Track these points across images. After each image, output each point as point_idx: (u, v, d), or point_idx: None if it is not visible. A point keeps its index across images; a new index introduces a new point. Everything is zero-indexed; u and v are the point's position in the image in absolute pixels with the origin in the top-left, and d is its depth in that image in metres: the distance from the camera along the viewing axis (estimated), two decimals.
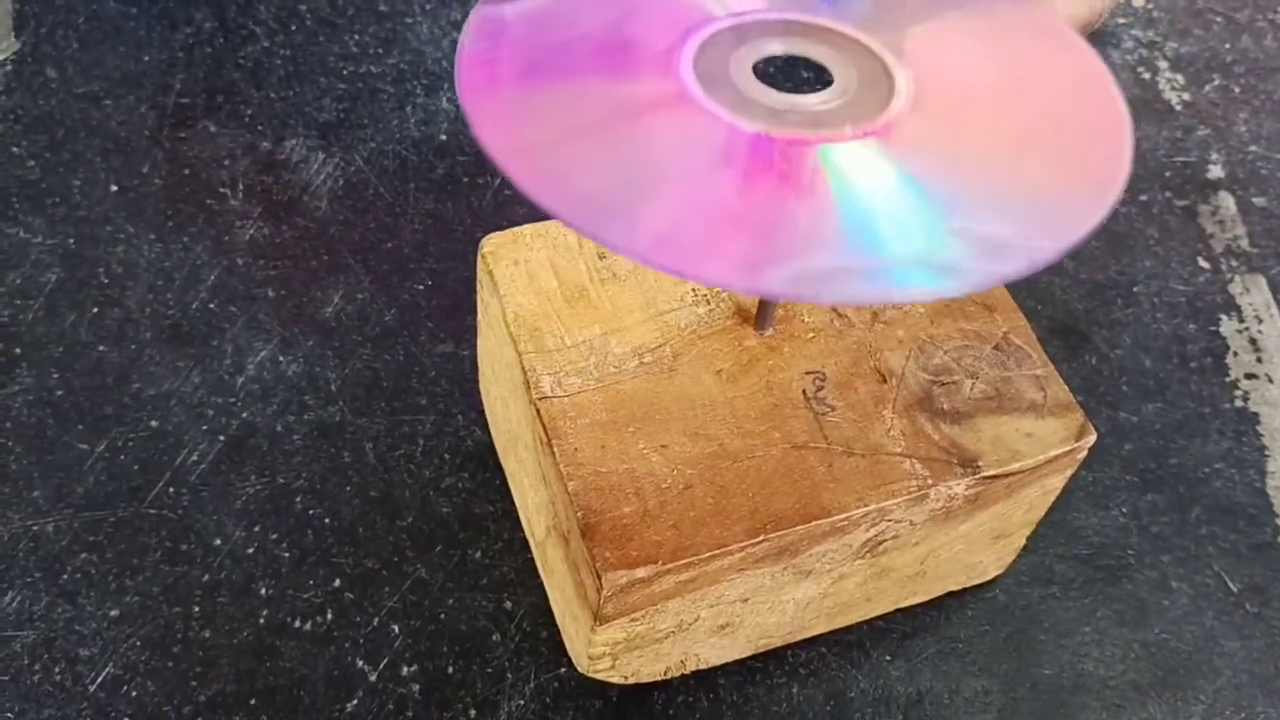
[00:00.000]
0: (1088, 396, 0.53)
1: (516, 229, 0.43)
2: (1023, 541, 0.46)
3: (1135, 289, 0.56)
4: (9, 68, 0.59)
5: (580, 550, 0.37)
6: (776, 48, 0.37)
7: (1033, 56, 0.38)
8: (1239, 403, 0.53)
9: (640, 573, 0.36)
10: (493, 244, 0.43)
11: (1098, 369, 0.54)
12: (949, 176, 0.33)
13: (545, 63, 0.36)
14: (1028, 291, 0.55)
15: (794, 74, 0.42)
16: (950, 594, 0.47)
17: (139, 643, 0.43)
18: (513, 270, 0.42)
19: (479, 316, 0.45)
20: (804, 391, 0.41)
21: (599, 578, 0.36)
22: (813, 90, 0.35)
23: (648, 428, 0.39)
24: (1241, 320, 0.56)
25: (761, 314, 0.41)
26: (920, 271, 0.31)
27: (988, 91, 0.36)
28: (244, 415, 0.49)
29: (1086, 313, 0.55)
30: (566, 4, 0.38)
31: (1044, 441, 0.40)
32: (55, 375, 0.49)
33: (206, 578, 0.45)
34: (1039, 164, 0.34)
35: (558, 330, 0.41)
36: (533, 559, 0.46)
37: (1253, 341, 0.55)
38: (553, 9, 0.38)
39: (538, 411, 0.39)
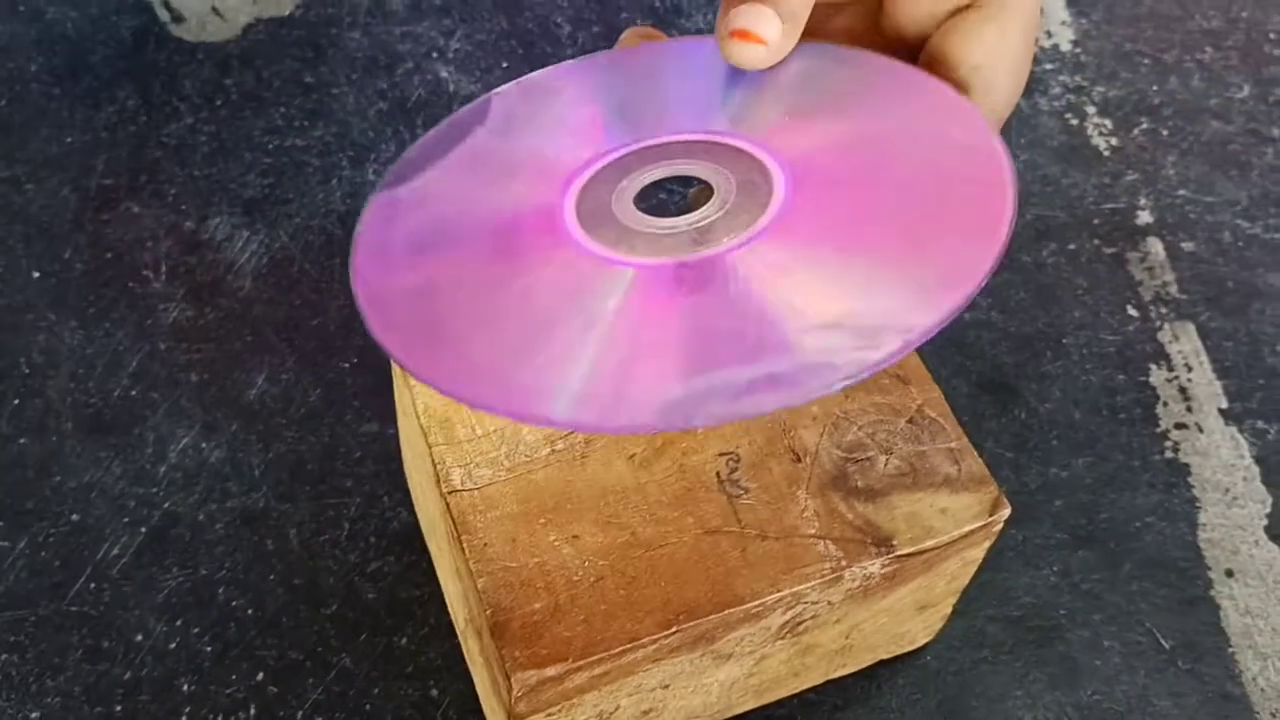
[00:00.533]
0: (1017, 452, 0.53)
1: None
2: (949, 609, 0.46)
3: (1064, 340, 0.56)
4: None
5: (490, 648, 0.37)
6: (657, 173, 0.37)
7: (912, 120, 0.37)
8: (1169, 454, 0.53)
9: (551, 671, 0.36)
10: None
11: (1027, 424, 0.54)
12: (820, 274, 0.33)
13: (435, 241, 0.36)
14: (956, 347, 0.55)
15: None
16: (881, 662, 0.46)
17: None
18: None
19: (395, 403, 0.45)
20: (717, 474, 0.40)
21: (509, 677, 0.36)
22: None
23: (559, 518, 0.39)
24: (1171, 369, 0.56)
25: None
26: (801, 370, 0.31)
27: (862, 168, 0.36)
28: (166, 505, 0.49)
29: (1015, 366, 0.55)
30: (457, 175, 0.38)
31: (958, 517, 0.40)
32: None
33: (128, 675, 0.45)
34: (911, 241, 0.34)
35: (468, 420, 0.41)
36: (459, 644, 0.46)
37: (1182, 390, 0.55)
38: (444, 181, 0.38)
39: (447, 505, 0.39)
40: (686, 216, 0.35)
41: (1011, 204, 0.33)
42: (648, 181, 0.37)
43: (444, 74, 0.64)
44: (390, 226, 0.37)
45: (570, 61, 0.41)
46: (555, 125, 0.39)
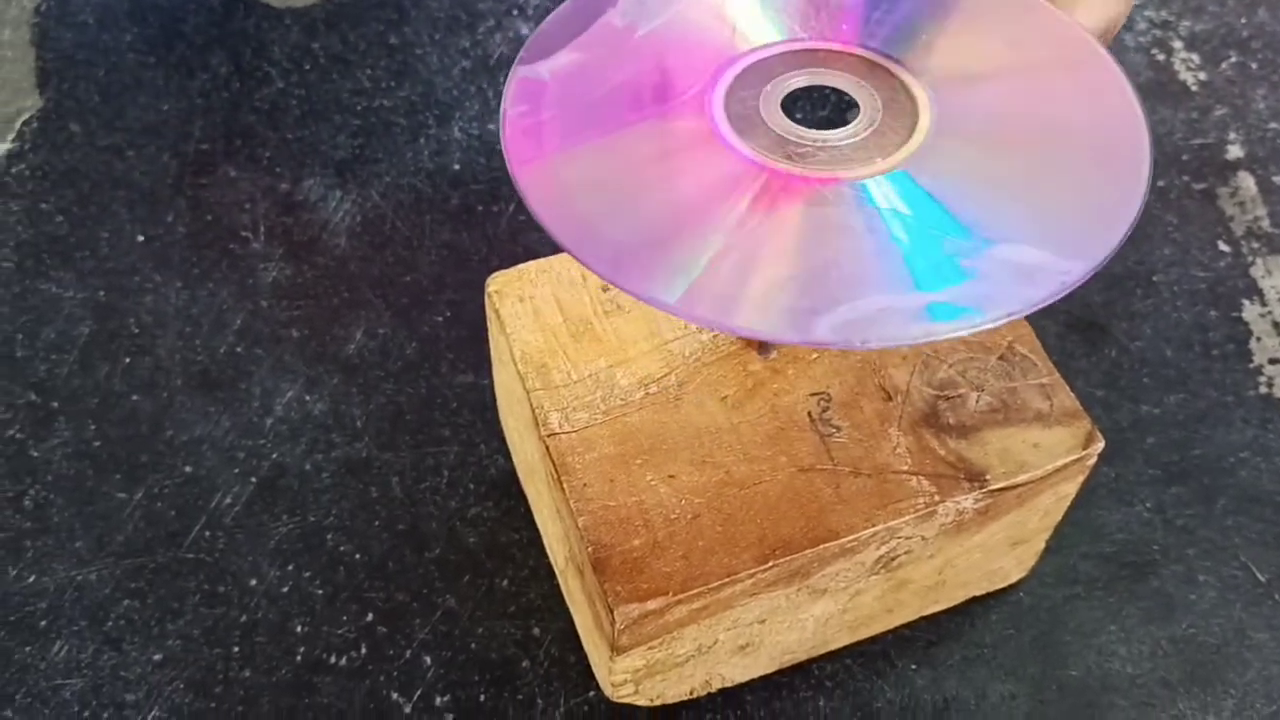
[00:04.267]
0: (1109, 391, 0.53)
1: (521, 266, 0.44)
2: (1043, 545, 0.46)
3: (1155, 278, 0.56)
4: (35, 125, 0.61)
5: (593, 583, 0.38)
6: (802, 80, 0.38)
7: (1053, 67, 0.38)
8: (1263, 389, 0.53)
9: (652, 604, 0.37)
10: (498, 282, 0.44)
11: (1118, 362, 0.53)
12: (978, 204, 0.34)
13: (584, 120, 0.37)
14: None
15: (824, 100, 0.42)
16: (974, 599, 0.47)
17: (182, 685, 0.45)
18: (518, 307, 0.43)
19: (490, 352, 0.46)
20: (809, 414, 0.41)
21: (611, 611, 0.37)
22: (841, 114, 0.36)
23: (655, 459, 0.40)
24: (1264, 304, 0.55)
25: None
26: (956, 306, 0.32)
27: (1009, 109, 0.37)
28: (273, 456, 0.50)
29: (1105, 305, 0.55)
30: (599, 58, 0.39)
31: (1051, 451, 0.40)
32: (92, 427, 0.51)
33: (244, 618, 0.47)
34: (1063, 183, 0.35)
35: (564, 365, 0.42)
36: (558, 585, 0.47)
37: (1276, 325, 0.55)
38: (586, 64, 0.39)
39: (547, 448, 0.40)
40: (838, 131, 0.36)
41: (1148, 163, 0.34)
42: (793, 87, 0.38)
43: (525, 30, 0.65)
44: (537, 106, 0.38)
45: None
46: (691, 17, 0.40)
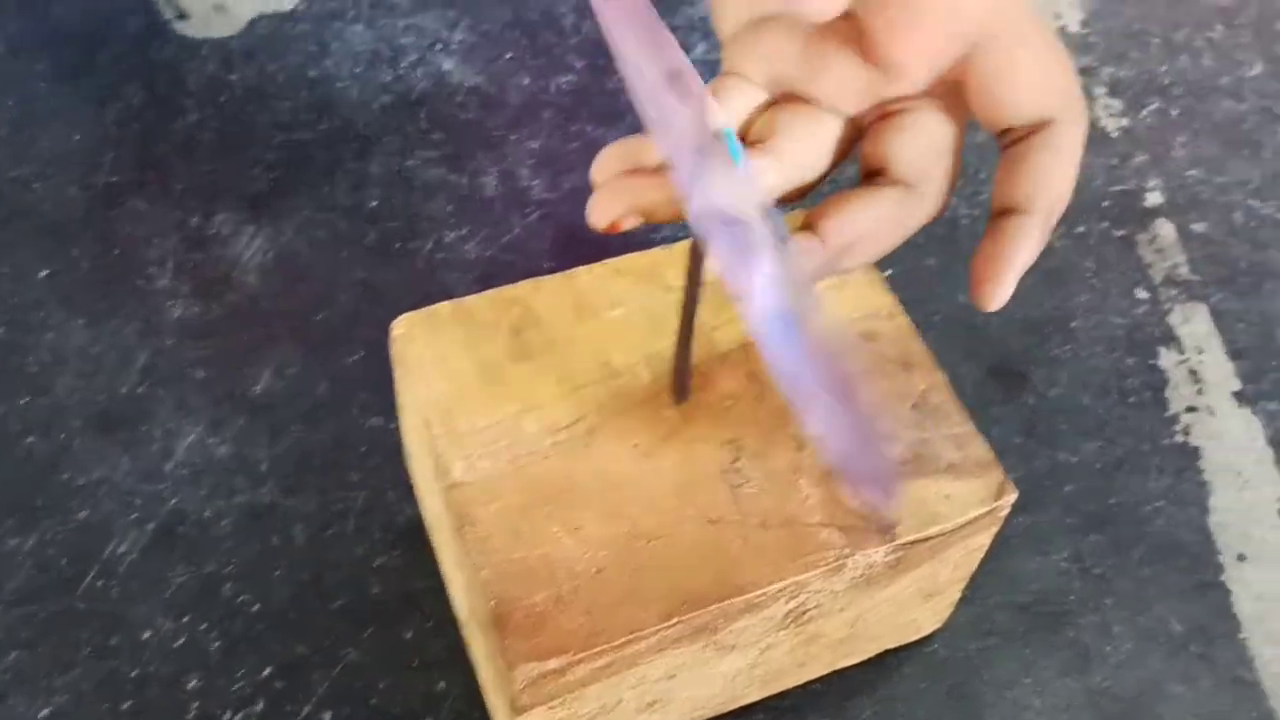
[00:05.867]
0: (1026, 438, 0.52)
1: (430, 308, 0.43)
2: (957, 595, 0.45)
3: (1073, 324, 0.56)
4: None
5: (493, 640, 0.37)
6: None
7: None
8: (1179, 437, 0.53)
9: (553, 663, 0.36)
10: (404, 325, 0.43)
11: (1036, 409, 0.53)
12: None
13: None
14: (964, 332, 0.55)
15: None
16: (888, 651, 0.46)
17: None
18: (425, 351, 0.42)
19: (397, 396, 0.45)
20: (720, 463, 0.40)
21: (511, 669, 0.36)
22: None
23: (562, 509, 0.39)
24: (1181, 352, 0.55)
25: (677, 383, 0.41)
26: None
27: None
28: (173, 502, 0.49)
29: (1023, 352, 0.55)
30: None
31: (963, 503, 0.40)
32: None
33: (136, 672, 0.45)
34: None
35: (470, 411, 0.41)
36: (464, 637, 0.46)
37: (1193, 373, 0.55)
38: None
39: (449, 498, 0.39)
40: None
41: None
42: None
43: (447, 66, 0.64)
44: None
45: None
46: None
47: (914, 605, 0.44)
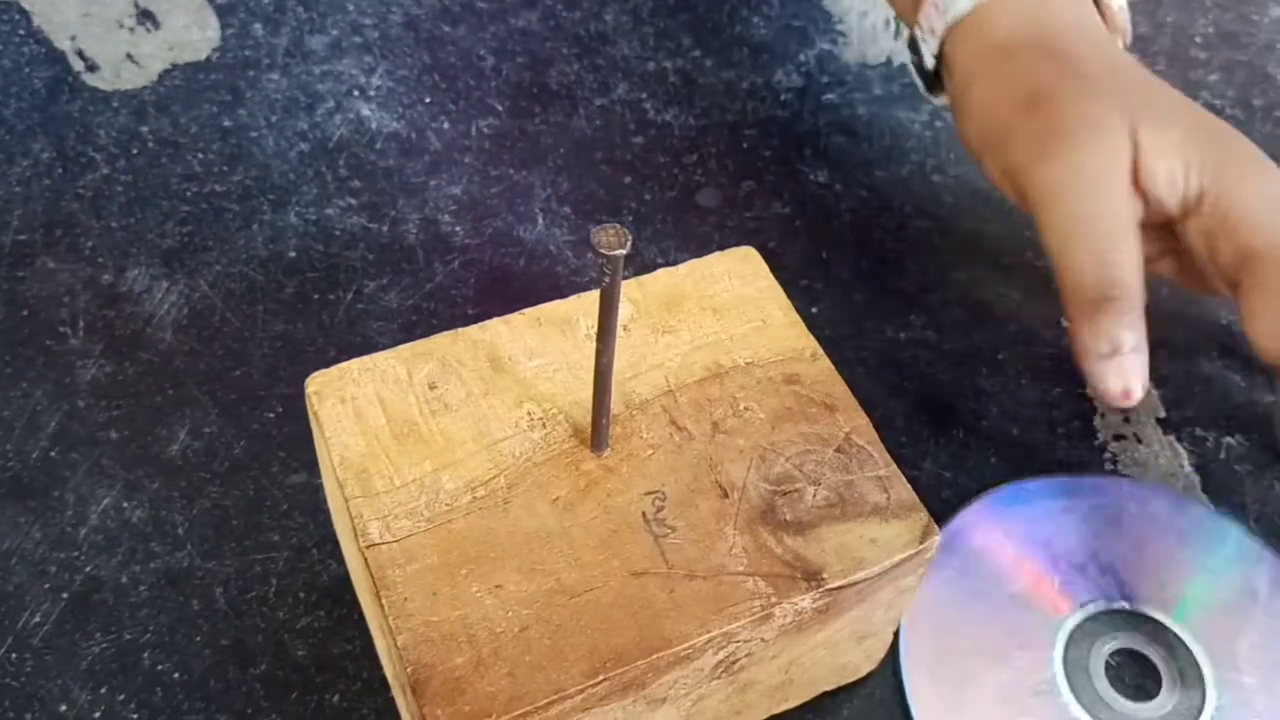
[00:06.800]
0: (956, 472, 0.52)
1: (343, 364, 0.42)
2: (890, 636, 0.45)
3: (1000, 356, 0.56)
4: None
5: (413, 705, 0.36)
6: (1121, 642, 0.46)
7: None
8: (1109, 465, 0.53)
9: None
10: (317, 382, 0.42)
11: (965, 442, 0.53)
12: None
13: None
14: (892, 367, 0.55)
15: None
16: (825, 694, 0.46)
17: None
18: (339, 409, 0.41)
19: (317, 454, 0.44)
20: (643, 514, 0.40)
21: None
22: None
23: (481, 568, 0.38)
24: None
25: (596, 434, 0.40)
26: None
27: None
28: (87, 569, 0.47)
29: (952, 384, 0.55)
30: None
31: (889, 546, 0.39)
32: None
33: None
34: None
35: (386, 470, 0.40)
36: (393, 699, 0.45)
37: None
38: None
39: (366, 560, 0.38)
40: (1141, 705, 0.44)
41: None
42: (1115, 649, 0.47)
43: (366, 112, 0.63)
44: None
45: None
46: None
47: (848, 648, 0.43)
